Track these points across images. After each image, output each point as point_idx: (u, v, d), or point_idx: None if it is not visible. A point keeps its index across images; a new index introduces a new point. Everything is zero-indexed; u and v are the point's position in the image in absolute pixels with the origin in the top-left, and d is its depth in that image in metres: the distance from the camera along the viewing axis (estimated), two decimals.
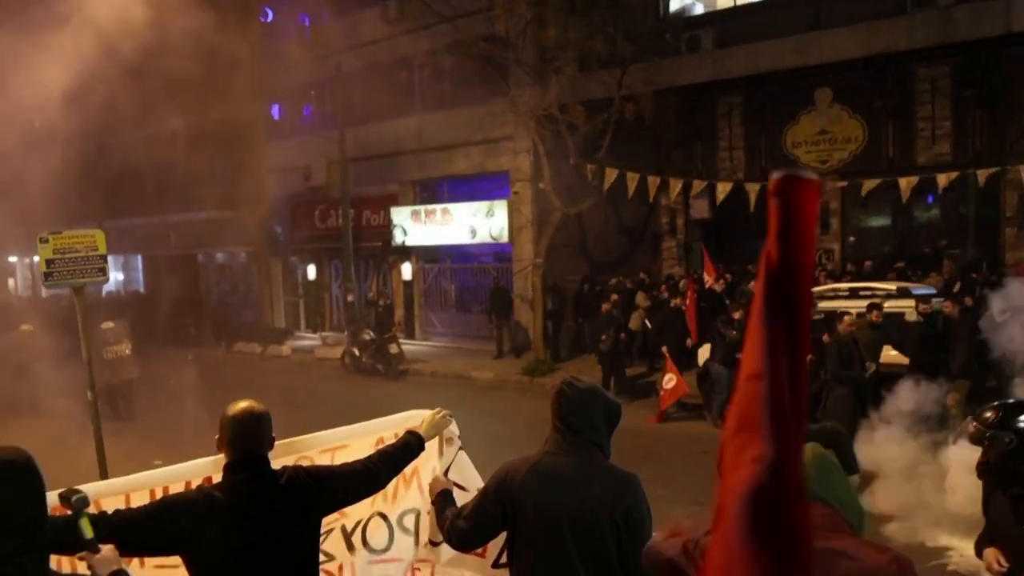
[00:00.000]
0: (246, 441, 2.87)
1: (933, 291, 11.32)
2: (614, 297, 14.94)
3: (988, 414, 3.30)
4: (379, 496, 3.59)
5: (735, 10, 16.28)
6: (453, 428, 3.72)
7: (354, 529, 3.69)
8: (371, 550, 3.69)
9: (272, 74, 24.33)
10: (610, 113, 15.47)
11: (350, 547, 3.66)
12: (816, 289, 11.93)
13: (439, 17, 19.16)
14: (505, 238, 19.86)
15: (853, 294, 11.26)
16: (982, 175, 12.87)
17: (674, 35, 16.30)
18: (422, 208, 21.39)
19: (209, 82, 23.12)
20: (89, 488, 2.98)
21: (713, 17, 16.60)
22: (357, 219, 22.46)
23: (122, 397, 13.74)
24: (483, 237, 20.18)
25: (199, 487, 3.01)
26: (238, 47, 19.94)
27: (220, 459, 2.97)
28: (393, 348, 18.02)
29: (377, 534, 3.71)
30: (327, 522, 3.38)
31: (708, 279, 14.04)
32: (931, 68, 13.99)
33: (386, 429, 3.71)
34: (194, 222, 26.67)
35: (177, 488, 3.18)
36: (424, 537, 3.80)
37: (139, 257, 32.75)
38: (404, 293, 22.49)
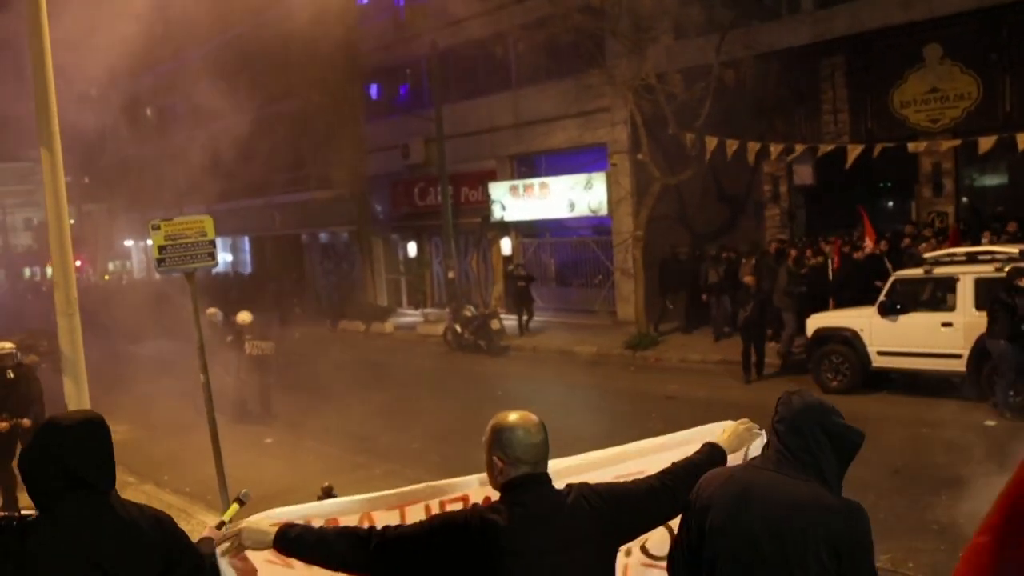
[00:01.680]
0: (521, 451, 2.63)
1: None
2: (749, 267, 14.94)
3: None
4: None
5: None
6: (759, 443, 3.24)
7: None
8: (649, 555, 3.46)
9: (368, 54, 25.44)
10: (708, 81, 15.78)
11: (627, 550, 3.38)
12: (931, 254, 12.08)
13: None
14: (604, 211, 20.41)
15: (971, 259, 11.39)
16: None
17: None
18: (520, 183, 22.14)
19: (308, 64, 24.45)
20: (363, 498, 3.17)
21: None
22: (456, 196, 23.40)
23: (263, 399, 13.50)
24: (582, 210, 20.79)
25: (474, 507, 2.88)
26: (335, 28, 21.06)
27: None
28: (494, 324, 18.88)
29: (655, 537, 3.38)
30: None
31: (868, 243, 14.07)
32: None
33: (679, 445, 3.35)
34: (297, 203, 28.24)
35: (453, 505, 3.15)
36: None
37: (246, 239, 34.75)
38: (504, 268, 23.32)
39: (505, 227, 22.82)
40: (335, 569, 2.75)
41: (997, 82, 14.55)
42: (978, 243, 12.99)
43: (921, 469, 8.66)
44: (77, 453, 2.61)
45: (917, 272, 11.89)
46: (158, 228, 6.97)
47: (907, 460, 8.96)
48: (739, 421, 3.29)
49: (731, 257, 16.89)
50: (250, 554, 2.85)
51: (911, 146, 14.69)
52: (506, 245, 23.08)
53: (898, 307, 11.86)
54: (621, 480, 3.04)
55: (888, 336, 11.98)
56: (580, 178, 20.82)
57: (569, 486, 2.70)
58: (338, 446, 11.46)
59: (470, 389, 15.20)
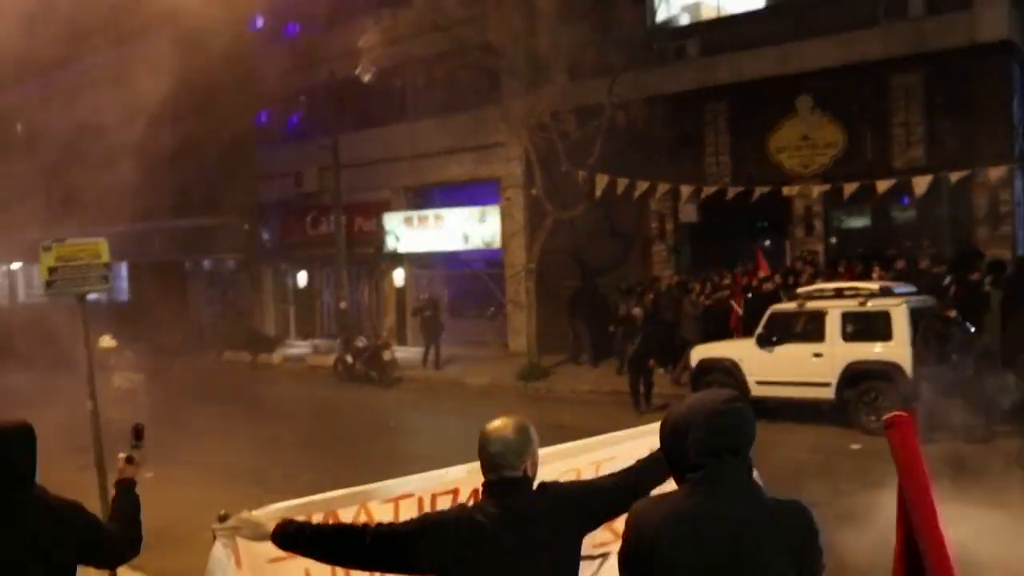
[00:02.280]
0: (500, 462, 2.82)
1: (914, 289, 12.56)
2: (640, 302, 15.49)
3: None
4: None
5: (719, 21, 17.61)
6: None
7: None
8: None
9: (263, 81, 25.43)
10: (600, 121, 16.66)
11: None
12: (803, 289, 13.13)
13: (432, 26, 20.29)
14: (497, 243, 21.04)
15: (838, 294, 12.47)
16: (954, 177, 14.14)
17: (661, 45, 17.54)
18: (415, 214, 22.55)
19: (197, 87, 24.22)
20: (358, 490, 3.38)
21: (698, 27, 17.94)
22: (349, 225, 23.58)
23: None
24: (476, 243, 21.36)
25: (462, 506, 3.08)
26: (228, 54, 21.05)
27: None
28: (387, 355, 19.09)
29: None
30: (595, 552, 3.43)
31: (761, 273, 14.97)
32: (904, 76, 15.33)
33: (643, 436, 3.60)
34: (181, 229, 27.70)
35: (443, 497, 3.36)
36: None
37: (123, 265, 33.69)
38: (396, 299, 23.58)
39: (398, 258, 23.12)
40: (333, 564, 3.00)
41: (861, 132, 15.99)
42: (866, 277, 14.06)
43: (798, 492, 9.43)
44: (18, 452, 3.07)
45: (791, 306, 12.92)
46: (49, 249, 6.88)
47: (786, 485, 9.74)
48: None
49: (641, 291, 17.41)
50: (241, 543, 3.01)
51: (785, 190, 15.94)
52: (399, 276, 23.37)
53: (773, 339, 12.83)
54: (595, 464, 3.49)
55: (765, 366, 12.90)
56: (474, 211, 21.41)
57: (542, 485, 2.91)
58: (225, 479, 11.39)
59: (361, 420, 15.37)
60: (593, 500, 2.97)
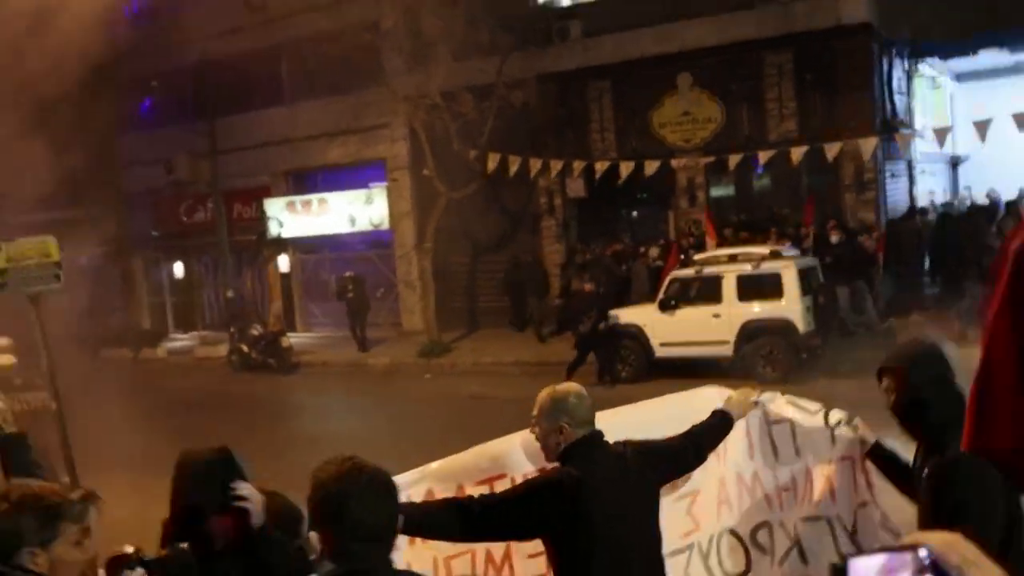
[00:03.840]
0: (584, 415, 3.08)
1: (798, 251, 13.79)
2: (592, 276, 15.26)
3: None
4: (723, 507, 3.74)
5: (600, 2, 18.38)
6: (754, 412, 3.77)
7: (708, 550, 3.70)
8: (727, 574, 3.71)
9: (127, 62, 24.31)
10: (491, 100, 17.13)
11: (708, 572, 3.65)
12: (699, 256, 14.15)
13: (308, 4, 20.09)
14: (386, 225, 21.20)
15: (732, 259, 13.53)
16: (829, 149, 15.48)
17: (545, 25, 18.15)
18: (297, 199, 22.36)
19: (51, 70, 22.98)
20: (448, 468, 3.46)
21: (580, 8, 18.67)
22: (228, 213, 23.08)
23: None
24: (363, 225, 21.44)
25: (557, 469, 3.11)
26: (90, 35, 20.14)
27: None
28: (284, 342, 18.99)
29: (733, 556, 3.71)
30: (682, 544, 3.59)
31: (710, 243, 15.61)
32: (777, 55, 16.60)
33: (681, 404, 3.81)
34: (39, 223, 26.16)
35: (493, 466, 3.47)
36: (780, 553, 3.79)
37: None
38: (282, 285, 23.34)
39: (283, 244, 22.87)
40: (442, 539, 3.12)
41: (738, 108, 17.19)
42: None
43: None
44: None
45: (689, 272, 13.90)
46: None
47: None
48: (740, 390, 3.75)
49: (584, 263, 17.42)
50: None
51: (674, 163, 16.96)
52: (284, 262, 23.13)
53: (673, 303, 13.79)
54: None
55: (668, 329, 13.83)
56: (360, 193, 21.47)
57: (617, 442, 3.14)
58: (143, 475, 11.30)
59: (272, 407, 15.35)
60: (664, 455, 3.26)
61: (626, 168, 16.53)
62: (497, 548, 3.42)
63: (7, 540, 1.96)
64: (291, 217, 22.38)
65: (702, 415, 3.54)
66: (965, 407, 2.59)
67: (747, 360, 13.12)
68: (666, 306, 13.80)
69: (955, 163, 22.59)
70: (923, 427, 2.88)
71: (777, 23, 16.18)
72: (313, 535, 2.23)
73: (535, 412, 3.14)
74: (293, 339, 20.70)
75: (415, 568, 2.90)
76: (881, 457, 3.60)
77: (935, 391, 2.82)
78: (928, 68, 19.37)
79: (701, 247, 15.77)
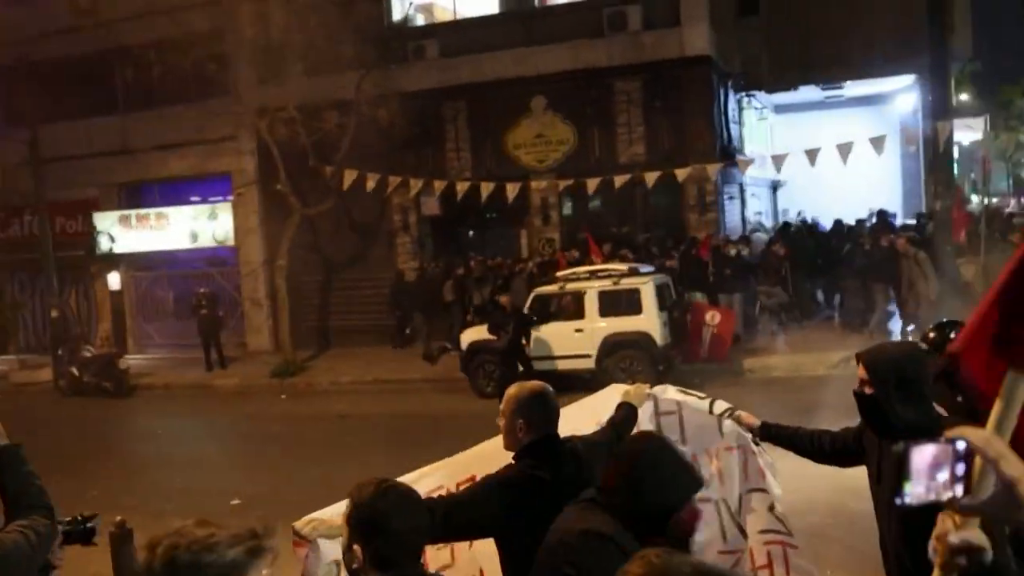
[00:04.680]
0: (550, 415, 3.30)
1: (653, 269, 14.66)
2: (507, 290, 15.74)
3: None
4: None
5: (456, 23, 18.82)
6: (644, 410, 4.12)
7: None
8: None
9: None
10: (348, 116, 17.11)
11: None
12: (561, 273, 14.74)
13: (146, 8, 19.22)
14: (231, 241, 20.57)
15: (593, 275, 14.20)
16: (680, 173, 16.51)
17: (401, 44, 18.35)
18: (132, 213, 21.30)
19: None
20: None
21: (437, 29, 19.03)
22: (51, 227, 21.58)
23: None
24: (206, 241, 20.73)
25: (515, 467, 3.25)
26: None
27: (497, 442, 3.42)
28: (122, 363, 18.02)
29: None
30: None
31: (596, 260, 15.88)
32: (626, 82, 17.61)
33: (598, 405, 4.14)
34: None
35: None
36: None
37: None
38: (112, 304, 22.08)
39: (113, 260, 21.66)
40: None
41: (589, 131, 18.05)
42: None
43: None
44: None
45: (553, 288, 14.47)
46: None
47: None
48: (636, 385, 4.19)
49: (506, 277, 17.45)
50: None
51: (533, 184, 17.59)
52: (114, 280, 21.90)
53: (535, 319, 14.30)
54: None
55: (533, 344, 14.35)
56: (203, 208, 20.74)
57: (567, 439, 3.38)
58: None
59: (112, 434, 14.63)
60: (603, 447, 3.54)
61: (486, 188, 16.95)
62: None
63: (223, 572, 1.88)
64: (125, 232, 21.26)
65: (608, 411, 3.93)
66: (931, 418, 3.00)
67: (608, 372, 13.79)
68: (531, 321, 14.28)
69: (775, 187, 24.67)
70: (880, 425, 3.12)
71: (626, 52, 17.19)
72: (356, 548, 2.41)
73: (502, 405, 3.34)
74: (135, 362, 19.63)
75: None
76: (770, 434, 3.96)
77: (902, 395, 3.04)
78: (756, 101, 21.11)
79: (582, 263, 16.26)
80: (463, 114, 18.87)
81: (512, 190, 17.01)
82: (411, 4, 19.09)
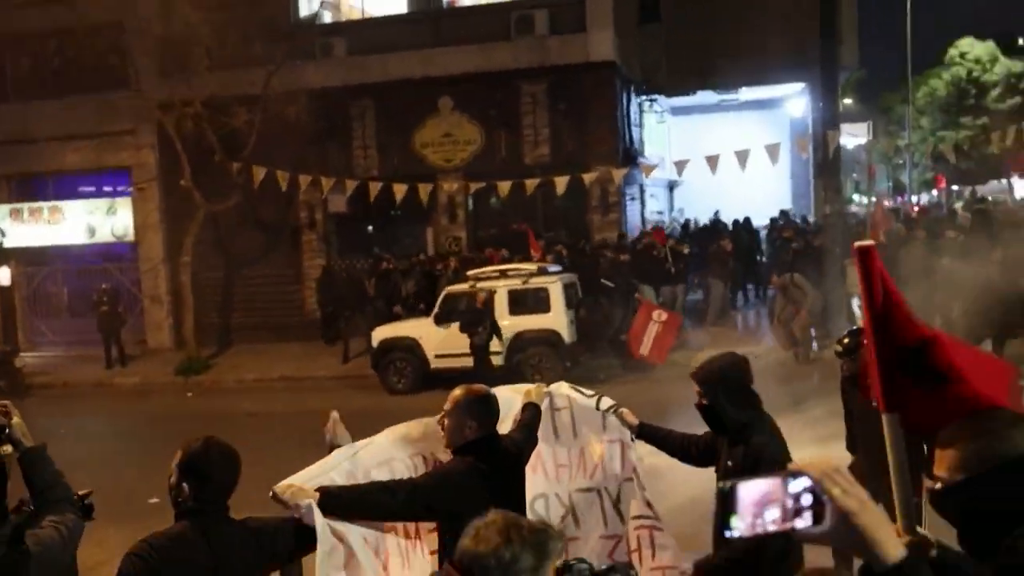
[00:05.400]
0: (494, 416, 3.70)
1: (560, 268, 15.20)
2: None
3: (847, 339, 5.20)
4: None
5: (364, 22, 18.96)
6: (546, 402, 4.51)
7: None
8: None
9: None
10: (256, 112, 17.07)
11: None
12: (472, 272, 15.11)
13: None
14: (131, 237, 20.20)
15: (503, 275, 14.64)
16: (587, 177, 17.16)
17: (307, 40, 18.37)
18: (25, 206, 20.68)
19: None
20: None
21: (344, 27, 19.12)
22: None
23: None
24: (104, 236, 20.29)
25: (462, 460, 3.59)
26: None
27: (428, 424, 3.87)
28: (18, 361, 17.55)
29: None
30: None
31: (535, 253, 16.14)
32: (532, 84, 18.12)
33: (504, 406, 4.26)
34: None
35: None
36: (556, 520, 4.41)
37: None
38: (1, 300, 21.34)
39: (3, 255, 20.93)
40: (371, 519, 3.53)
41: (496, 132, 18.49)
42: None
43: None
44: None
45: (463, 287, 14.85)
46: None
47: None
48: (536, 385, 4.51)
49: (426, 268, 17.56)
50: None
51: (445, 186, 17.95)
52: (4, 275, 21.15)
53: (449, 317, 14.66)
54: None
55: (444, 342, 14.66)
56: (101, 203, 20.31)
57: (503, 436, 3.81)
58: None
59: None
60: (528, 444, 4.01)
61: (400, 191, 17.19)
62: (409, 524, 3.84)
63: (506, 572, 2.08)
64: (16, 226, 20.60)
65: (513, 410, 4.25)
66: (758, 415, 3.66)
67: (517, 369, 14.27)
68: (441, 319, 14.64)
69: (672, 187, 25.68)
70: (720, 428, 3.79)
71: (532, 55, 17.71)
72: (184, 487, 2.94)
73: (448, 405, 3.63)
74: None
75: None
76: (645, 433, 4.44)
77: (730, 399, 3.67)
78: (656, 104, 21.97)
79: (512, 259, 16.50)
80: (371, 112, 19.03)
81: (424, 191, 17.31)
82: (321, 2, 19.11)
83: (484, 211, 19.48)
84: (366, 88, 18.61)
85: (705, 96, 23.81)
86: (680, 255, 16.50)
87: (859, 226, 19.51)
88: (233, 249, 20.21)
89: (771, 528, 1.40)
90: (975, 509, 1.85)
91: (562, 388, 4.61)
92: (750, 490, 1.40)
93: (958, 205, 30.66)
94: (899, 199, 39.19)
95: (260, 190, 18.05)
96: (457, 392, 3.67)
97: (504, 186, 17.07)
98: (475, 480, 3.46)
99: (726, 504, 1.41)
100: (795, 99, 24.38)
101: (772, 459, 3.46)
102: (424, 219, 19.64)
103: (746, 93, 24.19)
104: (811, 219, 21.43)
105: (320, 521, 3.27)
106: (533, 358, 14.34)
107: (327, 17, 19.56)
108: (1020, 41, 45.20)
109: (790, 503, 1.39)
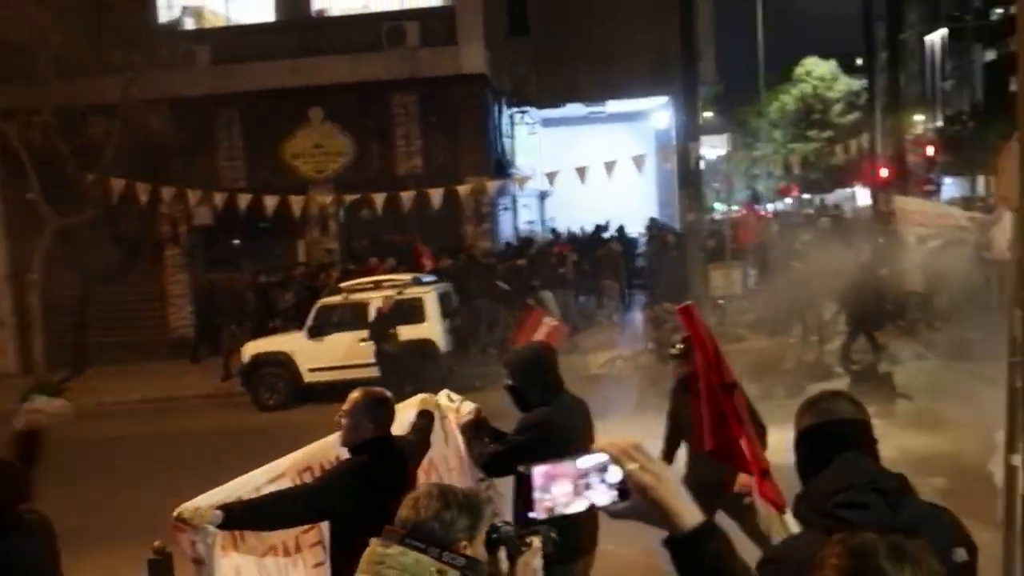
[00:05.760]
0: (390, 419, 3.91)
1: (435, 278, 15.18)
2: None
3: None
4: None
5: (229, 29, 18.45)
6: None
7: None
8: None
9: None
10: (113, 122, 16.29)
11: None
12: (345, 284, 14.90)
13: None
14: None
15: (377, 285, 14.48)
16: (461, 189, 17.14)
17: (169, 48, 17.67)
18: None
19: None
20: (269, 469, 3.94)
21: (208, 34, 18.54)
22: None
23: None
24: None
25: (353, 460, 3.77)
26: None
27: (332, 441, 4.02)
28: None
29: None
30: None
31: (428, 263, 16.09)
32: (404, 96, 18.10)
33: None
34: None
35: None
36: None
37: None
38: None
39: None
40: (271, 528, 3.72)
41: (368, 143, 18.35)
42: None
43: None
44: None
45: (337, 299, 14.63)
46: None
47: None
48: (428, 395, 4.75)
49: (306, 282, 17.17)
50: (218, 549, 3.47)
51: (319, 198, 17.64)
52: None
53: (322, 330, 14.40)
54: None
55: (317, 355, 14.37)
56: None
57: (398, 437, 4.01)
58: None
59: None
60: (421, 446, 4.25)
61: (271, 202, 16.76)
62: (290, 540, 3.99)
63: (447, 533, 2.33)
64: None
65: (408, 418, 4.46)
66: (554, 396, 4.32)
67: (393, 382, 14.14)
68: (314, 332, 14.36)
69: (543, 197, 26.10)
70: (523, 407, 4.39)
71: (404, 67, 17.69)
72: None
73: (347, 406, 3.79)
74: None
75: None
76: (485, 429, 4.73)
77: (530, 382, 4.36)
78: (527, 116, 22.33)
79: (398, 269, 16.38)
80: (237, 122, 18.55)
81: (296, 203, 16.95)
82: (184, 9, 18.46)
83: (356, 222, 19.23)
84: (232, 97, 18.10)
85: (574, 108, 24.34)
86: (571, 261, 17.03)
87: (715, 236, 20.18)
88: (89, 266, 19.12)
89: (567, 503, 1.47)
90: None
91: (442, 396, 4.87)
92: (544, 471, 1.48)
93: (810, 211, 32.56)
94: (756, 207, 41.25)
95: (119, 203, 17.24)
96: (356, 394, 3.86)
97: (378, 198, 16.87)
98: (365, 477, 3.61)
99: (525, 486, 1.49)
100: (659, 112, 25.22)
101: (539, 427, 4.15)
102: (295, 231, 19.23)
103: (613, 106, 24.86)
104: (676, 226, 22.19)
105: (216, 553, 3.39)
106: (409, 368, 14.24)
107: (189, 24, 18.91)
108: (858, 61, 48.50)
109: (581, 480, 1.47)
